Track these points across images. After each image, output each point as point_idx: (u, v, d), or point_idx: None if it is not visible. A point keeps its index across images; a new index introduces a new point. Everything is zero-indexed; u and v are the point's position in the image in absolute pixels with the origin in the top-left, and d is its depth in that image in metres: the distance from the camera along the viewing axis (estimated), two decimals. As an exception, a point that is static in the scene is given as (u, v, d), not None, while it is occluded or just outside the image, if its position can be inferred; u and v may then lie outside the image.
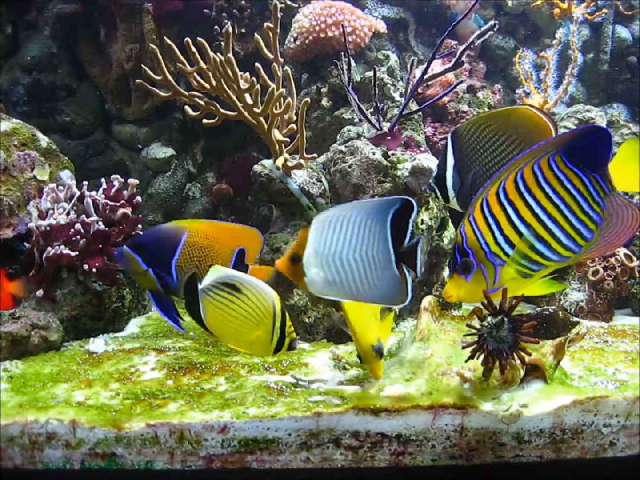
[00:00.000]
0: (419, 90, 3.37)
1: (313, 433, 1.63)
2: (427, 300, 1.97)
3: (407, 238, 1.68)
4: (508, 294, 1.68)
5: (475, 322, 1.72)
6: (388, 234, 1.68)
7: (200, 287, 1.82)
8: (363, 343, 1.77)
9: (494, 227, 1.70)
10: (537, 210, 1.69)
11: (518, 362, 1.70)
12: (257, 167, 2.64)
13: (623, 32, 3.89)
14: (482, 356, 1.69)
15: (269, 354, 1.86)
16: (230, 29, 2.38)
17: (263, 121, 2.49)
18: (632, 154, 1.73)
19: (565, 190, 1.69)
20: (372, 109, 2.87)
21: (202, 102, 2.50)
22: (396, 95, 3.19)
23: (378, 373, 1.79)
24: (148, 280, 2.18)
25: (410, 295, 1.68)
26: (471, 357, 1.69)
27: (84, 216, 2.40)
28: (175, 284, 2.15)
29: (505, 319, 1.66)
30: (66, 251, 2.32)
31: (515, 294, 1.71)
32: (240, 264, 2.21)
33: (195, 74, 2.47)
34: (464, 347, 1.71)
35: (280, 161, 2.54)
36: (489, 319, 1.68)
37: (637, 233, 1.77)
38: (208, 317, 1.82)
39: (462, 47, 2.64)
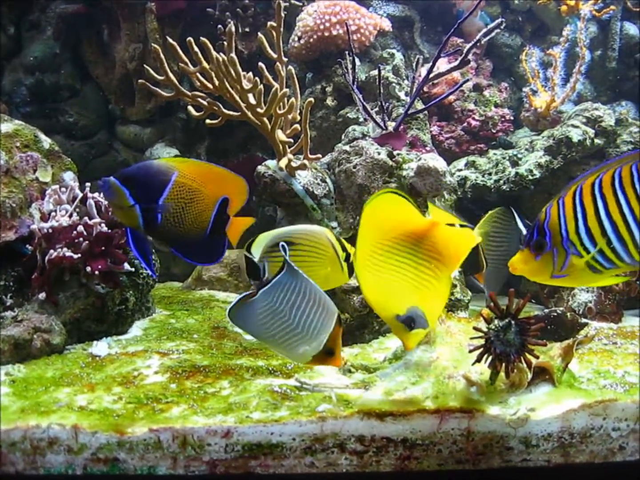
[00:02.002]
0: (425, 89, 3.36)
1: (317, 438, 1.61)
2: (434, 302, 1.95)
3: None
4: (572, 284, 1.67)
5: (482, 325, 1.70)
6: None
7: (257, 259, 1.81)
8: (383, 314, 1.69)
9: (579, 216, 1.70)
10: (626, 209, 1.68)
11: (525, 365, 1.68)
12: (260, 168, 2.62)
13: (631, 29, 3.86)
14: (489, 359, 1.66)
15: (347, 279, 1.86)
16: (233, 29, 2.37)
17: (266, 121, 2.48)
18: None
19: None
20: (377, 108, 2.85)
21: (205, 103, 2.49)
22: (401, 94, 3.17)
23: (408, 344, 1.67)
24: (131, 217, 2.04)
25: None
26: (478, 361, 1.67)
27: (86, 218, 2.38)
28: (159, 223, 2.04)
29: (512, 322, 1.64)
30: (69, 253, 2.30)
31: (578, 285, 1.71)
32: (222, 213, 2.12)
33: (198, 74, 2.45)
34: (470, 351, 1.69)
35: (284, 162, 2.52)
36: (496, 321, 1.66)
37: None
38: None
39: (468, 46, 2.62)
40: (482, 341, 1.66)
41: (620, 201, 1.68)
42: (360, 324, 2.45)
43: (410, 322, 1.64)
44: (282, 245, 1.78)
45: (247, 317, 1.82)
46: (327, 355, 1.72)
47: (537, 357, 1.67)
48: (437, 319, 1.88)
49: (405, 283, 1.69)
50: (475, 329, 1.68)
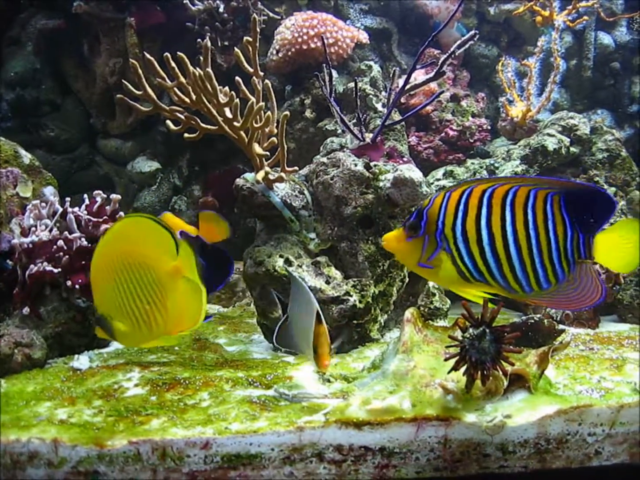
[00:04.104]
0: (402, 100, 3.39)
1: (296, 447, 1.62)
2: (410, 312, 1.97)
3: None
4: (436, 280, 1.67)
5: (458, 333, 1.72)
6: None
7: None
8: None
9: (460, 214, 1.68)
10: (508, 228, 1.67)
11: (501, 372, 1.70)
12: (239, 181, 2.64)
13: (605, 39, 3.92)
14: (464, 367, 1.68)
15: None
16: (209, 44, 2.38)
17: (243, 135, 2.49)
18: (624, 234, 1.72)
19: (545, 230, 1.68)
20: (354, 120, 2.88)
21: (182, 117, 2.50)
22: (379, 106, 3.20)
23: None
24: None
25: None
26: (454, 369, 1.68)
27: (66, 233, 2.39)
28: None
29: (487, 330, 1.66)
30: (49, 268, 2.31)
31: (442, 284, 1.70)
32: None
33: (175, 89, 2.47)
34: (446, 359, 1.70)
35: (261, 175, 2.53)
36: (471, 330, 1.67)
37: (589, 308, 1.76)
38: None
39: (443, 57, 2.64)
40: (458, 350, 1.68)
41: (506, 218, 1.67)
42: (339, 334, 2.47)
43: (100, 321, 1.81)
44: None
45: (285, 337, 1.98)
46: (315, 354, 1.75)
47: (513, 365, 1.69)
48: (132, 344, 2.11)
49: (115, 295, 1.80)
50: (450, 337, 1.69)
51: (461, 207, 1.69)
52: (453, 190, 1.70)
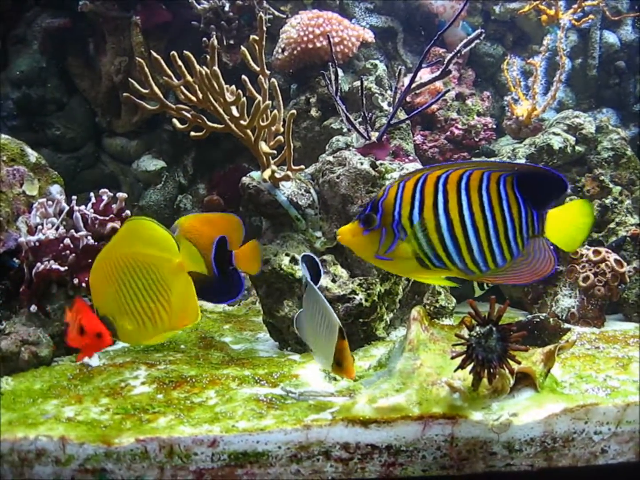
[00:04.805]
0: (408, 98, 3.39)
1: (303, 445, 1.63)
2: (416, 310, 1.97)
3: None
4: (395, 270, 1.67)
5: (465, 332, 1.72)
6: None
7: None
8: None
9: (416, 203, 1.68)
10: (465, 211, 1.67)
11: (507, 371, 1.70)
12: (245, 179, 2.64)
13: (611, 37, 3.91)
14: (471, 365, 1.68)
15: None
16: (216, 42, 2.38)
17: (250, 133, 2.49)
18: (575, 213, 1.74)
19: (500, 210, 1.68)
20: (360, 119, 2.88)
21: (189, 115, 2.50)
22: (384, 105, 3.20)
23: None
24: None
25: None
26: (461, 367, 1.69)
27: (73, 231, 2.39)
28: None
29: (494, 328, 1.66)
30: (56, 266, 2.32)
31: (401, 274, 1.69)
32: (222, 250, 2.29)
33: (182, 87, 2.47)
34: (452, 357, 1.71)
35: (267, 173, 2.54)
36: (477, 328, 1.68)
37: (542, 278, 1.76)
38: None
39: (449, 56, 2.64)
40: (465, 348, 1.68)
41: (462, 202, 1.67)
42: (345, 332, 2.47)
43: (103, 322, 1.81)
44: (303, 259, 1.87)
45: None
46: (338, 366, 1.75)
47: (519, 363, 1.69)
48: (136, 342, 2.13)
49: (119, 296, 1.83)
50: (457, 335, 1.70)
51: (417, 195, 1.68)
52: (407, 180, 1.69)
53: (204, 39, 3.26)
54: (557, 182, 1.70)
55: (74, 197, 2.53)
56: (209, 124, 2.52)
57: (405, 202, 1.68)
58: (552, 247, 1.72)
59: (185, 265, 1.86)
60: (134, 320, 1.83)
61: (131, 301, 1.82)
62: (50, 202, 2.49)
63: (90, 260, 2.38)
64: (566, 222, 1.73)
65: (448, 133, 3.60)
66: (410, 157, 2.88)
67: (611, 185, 3.26)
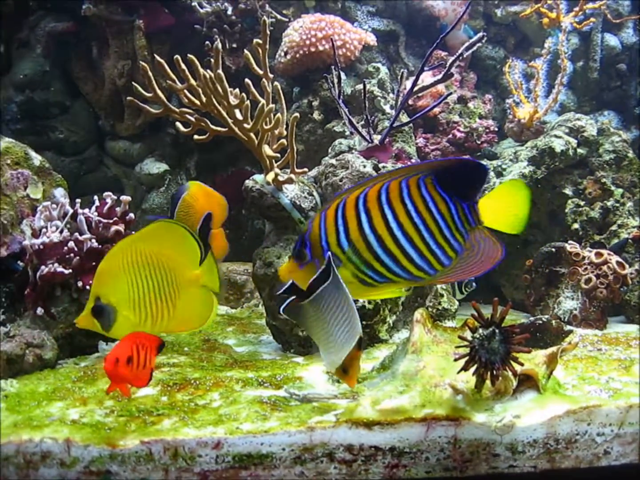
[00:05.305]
0: (410, 101, 3.39)
1: (307, 447, 1.63)
2: (419, 313, 1.98)
3: None
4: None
5: (467, 334, 1.73)
6: None
7: None
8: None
9: (341, 229, 1.70)
10: (393, 224, 1.69)
11: (510, 372, 1.71)
12: (248, 182, 2.65)
13: (612, 40, 3.91)
14: (474, 367, 1.69)
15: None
16: (220, 46, 2.39)
17: (253, 137, 2.50)
18: (506, 193, 1.76)
19: (428, 212, 1.69)
20: (363, 122, 2.89)
21: (192, 119, 2.51)
22: (387, 108, 3.21)
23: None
24: None
25: None
26: (464, 369, 1.69)
27: (77, 234, 2.40)
28: None
29: (496, 330, 1.67)
30: (60, 269, 2.33)
31: (354, 297, 1.71)
32: (205, 226, 2.43)
33: (185, 91, 2.48)
34: (455, 359, 1.71)
35: (270, 176, 2.55)
36: (480, 330, 1.68)
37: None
38: None
39: (451, 59, 2.65)
40: (467, 350, 1.69)
41: (387, 216, 1.68)
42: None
43: (98, 310, 1.85)
44: (329, 256, 1.85)
45: (298, 315, 1.90)
46: (343, 372, 1.75)
47: (522, 365, 1.70)
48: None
49: (131, 287, 1.87)
50: (460, 337, 1.70)
51: (340, 222, 1.70)
52: (327, 209, 1.72)
53: (207, 42, 3.28)
54: (475, 169, 1.71)
55: (78, 200, 2.54)
56: (213, 127, 2.53)
57: (330, 230, 1.71)
58: (493, 233, 1.73)
59: (201, 278, 1.93)
60: (137, 314, 1.86)
61: (143, 295, 1.86)
62: (54, 205, 2.49)
63: (94, 263, 2.39)
64: (501, 204, 1.74)
65: (450, 136, 3.61)
66: (413, 160, 2.89)
67: (613, 188, 3.27)
